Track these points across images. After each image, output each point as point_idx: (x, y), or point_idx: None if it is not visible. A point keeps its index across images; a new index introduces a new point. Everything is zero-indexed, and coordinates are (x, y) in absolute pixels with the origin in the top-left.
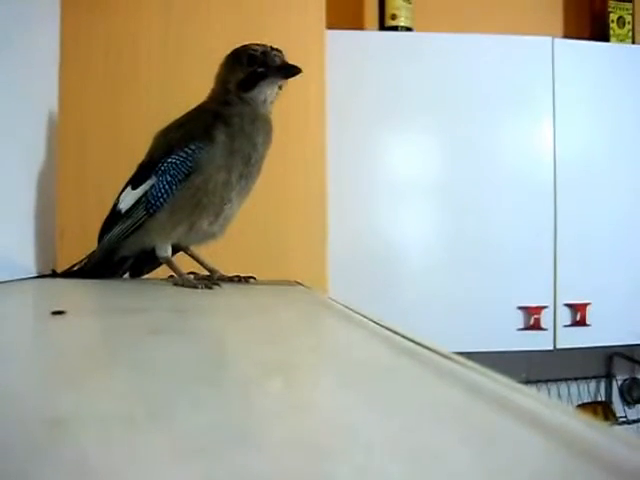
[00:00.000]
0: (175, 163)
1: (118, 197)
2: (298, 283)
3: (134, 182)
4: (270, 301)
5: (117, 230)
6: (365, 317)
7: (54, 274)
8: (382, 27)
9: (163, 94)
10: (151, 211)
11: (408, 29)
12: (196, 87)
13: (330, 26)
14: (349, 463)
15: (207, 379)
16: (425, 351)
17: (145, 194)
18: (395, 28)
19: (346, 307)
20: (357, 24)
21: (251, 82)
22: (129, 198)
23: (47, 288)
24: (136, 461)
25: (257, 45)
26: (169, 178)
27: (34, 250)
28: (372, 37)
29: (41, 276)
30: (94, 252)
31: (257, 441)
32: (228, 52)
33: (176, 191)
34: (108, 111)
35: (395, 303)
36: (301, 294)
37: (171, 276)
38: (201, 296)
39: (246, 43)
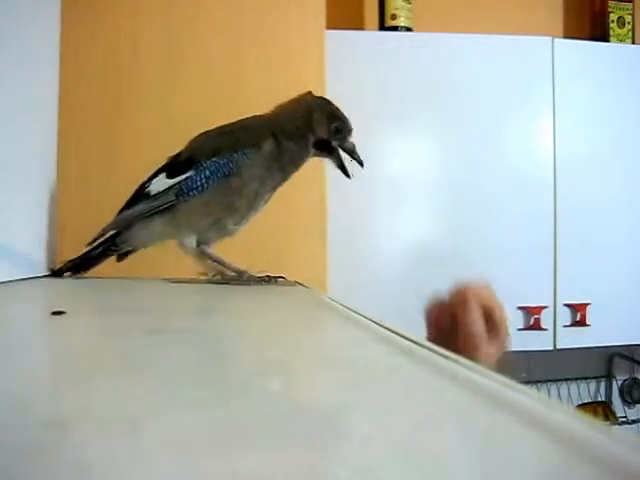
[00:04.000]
0: (218, 162)
1: (146, 182)
2: (298, 283)
3: (170, 172)
4: (270, 301)
5: (141, 206)
6: (365, 317)
7: (54, 274)
8: (382, 27)
9: (163, 94)
10: (181, 199)
11: (408, 29)
12: (196, 87)
13: (330, 26)
14: (349, 463)
15: (207, 379)
16: (425, 351)
17: (179, 183)
18: (395, 28)
19: (346, 307)
20: (357, 24)
21: (324, 147)
22: (162, 184)
23: (47, 288)
24: (136, 461)
25: (345, 118)
26: (208, 173)
27: (34, 250)
28: (372, 37)
29: (41, 276)
30: (110, 224)
31: (257, 441)
32: (319, 96)
33: (211, 187)
34: (108, 111)
35: (394, 303)
36: (301, 294)
37: (215, 274)
38: (200, 296)
39: (336, 107)
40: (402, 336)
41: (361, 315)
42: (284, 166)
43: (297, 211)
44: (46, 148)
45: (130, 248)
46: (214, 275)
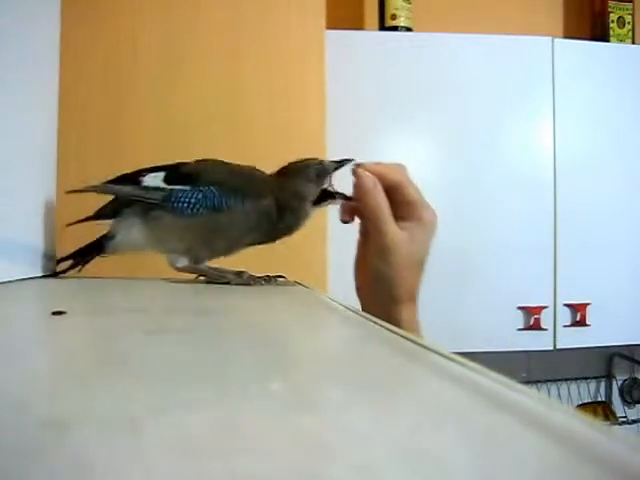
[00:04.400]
0: (214, 192)
1: (143, 171)
2: (298, 283)
3: (169, 179)
4: (270, 301)
5: (129, 189)
6: (365, 317)
7: (55, 274)
8: (382, 27)
9: (163, 94)
10: (165, 204)
11: (408, 29)
12: (196, 87)
13: (330, 26)
14: (349, 463)
15: (207, 379)
16: (425, 351)
17: (171, 190)
18: (395, 28)
19: (346, 307)
20: (357, 24)
21: (321, 200)
22: (156, 183)
23: (47, 288)
24: (136, 461)
25: (329, 162)
26: (200, 196)
27: (34, 250)
28: (372, 37)
29: (41, 276)
30: (94, 186)
31: (257, 441)
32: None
33: (198, 214)
34: (108, 111)
35: None
36: (301, 294)
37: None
38: (200, 296)
39: (318, 160)
40: (402, 336)
41: (361, 315)
42: (277, 233)
43: None
44: (46, 148)
45: (117, 252)
46: (199, 275)
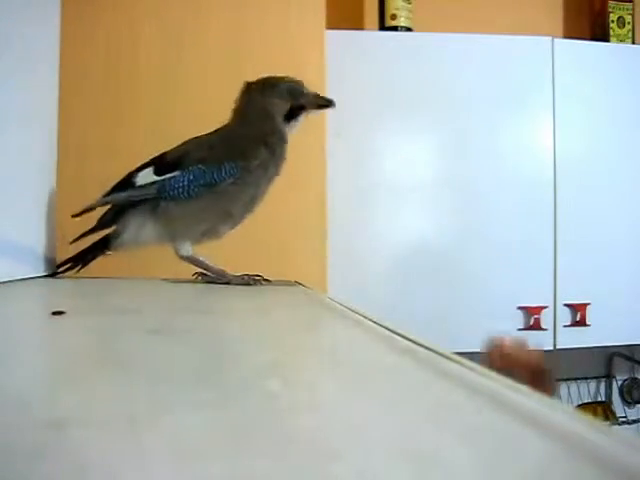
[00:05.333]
0: (204, 170)
1: (133, 173)
2: (298, 283)
3: (157, 169)
4: (270, 301)
5: (125, 194)
6: (365, 317)
7: (55, 274)
8: (382, 27)
9: (163, 94)
10: (163, 195)
11: (408, 29)
12: (196, 87)
13: (330, 26)
14: (349, 463)
15: (207, 379)
16: (425, 351)
17: (164, 180)
18: (395, 28)
19: (346, 307)
20: (357, 24)
21: (294, 114)
22: (148, 178)
23: (47, 288)
24: (136, 461)
25: (291, 79)
26: (192, 177)
27: (34, 251)
28: (372, 37)
29: (41, 276)
30: (91, 205)
31: (257, 441)
32: (253, 78)
33: (195, 191)
34: (108, 111)
35: (395, 303)
36: (301, 294)
37: (198, 274)
38: (200, 296)
39: (275, 75)
40: (402, 336)
41: (361, 315)
42: (278, 163)
43: (297, 211)
44: (46, 149)
45: (123, 249)
46: (199, 275)
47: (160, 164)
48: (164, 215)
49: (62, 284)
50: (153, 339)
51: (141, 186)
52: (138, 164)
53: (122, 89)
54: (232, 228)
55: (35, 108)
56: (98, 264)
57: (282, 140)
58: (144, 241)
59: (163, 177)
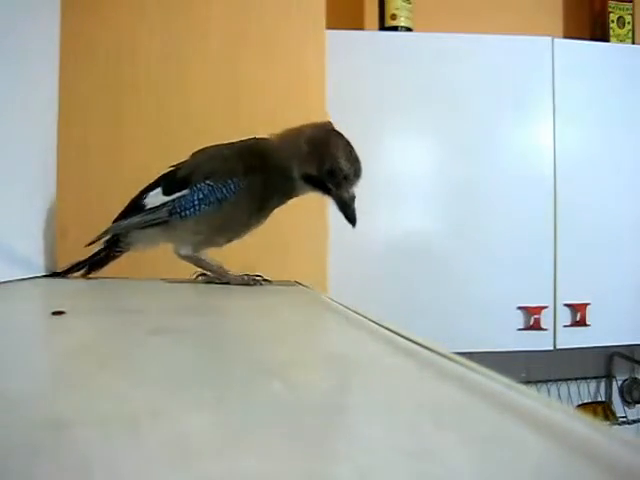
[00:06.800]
0: (212, 187)
1: (142, 194)
2: (298, 283)
3: (166, 188)
4: (270, 301)
5: (137, 219)
6: (365, 317)
7: (57, 274)
8: (382, 27)
9: (164, 94)
10: (174, 217)
11: (408, 29)
12: (196, 87)
13: (330, 26)
14: (349, 463)
15: (207, 379)
16: (425, 351)
17: (173, 201)
18: (395, 28)
19: (346, 307)
20: (357, 24)
21: (319, 186)
22: (157, 200)
23: (47, 288)
24: (137, 461)
25: (346, 163)
26: (201, 196)
27: (34, 251)
28: (372, 37)
29: (41, 276)
30: (105, 231)
31: (257, 441)
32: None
33: (204, 209)
34: (109, 111)
35: (395, 303)
36: (301, 294)
37: (198, 275)
38: (200, 296)
39: (342, 148)
40: (402, 336)
41: (361, 315)
42: (270, 197)
43: (297, 211)
44: (46, 149)
45: (131, 251)
46: (199, 276)
47: (169, 183)
48: (170, 232)
49: (62, 284)
50: (153, 339)
51: (152, 209)
52: (138, 163)
53: (123, 89)
54: (230, 241)
55: (36, 108)
56: None
57: (284, 186)
58: (148, 245)
59: (172, 197)
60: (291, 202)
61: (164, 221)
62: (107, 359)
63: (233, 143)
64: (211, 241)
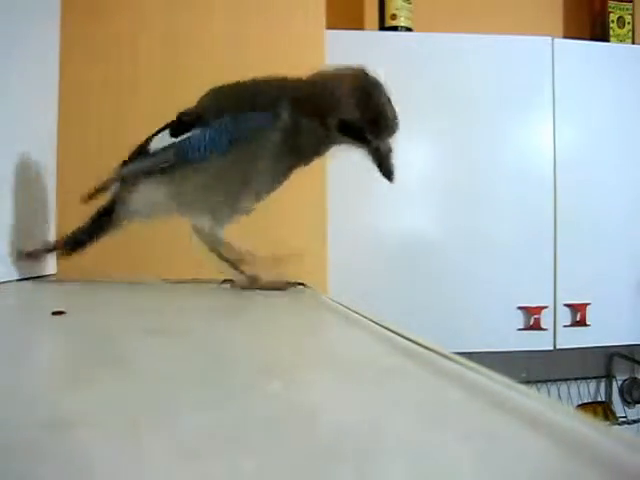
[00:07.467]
0: (226, 123)
1: (150, 138)
2: (299, 283)
3: (175, 130)
4: (270, 301)
5: (139, 164)
6: (365, 317)
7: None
8: (382, 27)
9: (164, 94)
10: (180, 158)
11: (408, 29)
12: (196, 87)
13: (330, 26)
14: (349, 463)
15: (207, 379)
16: (425, 351)
17: (182, 141)
18: (395, 28)
19: (346, 307)
20: (357, 24)
21: (356, 136)
22: (163, 141)
23: (47, 288)
24: (137, 462)
25: (388, 111)
26: (212, 134)
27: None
28: (372, 37)
29: (41, 276)
30: (109, 179)
31: (257, 442)
32: (360, 76)
33: (219, 154)
34: (109, 111)
35: (395, 303)
36: (301, 294)
37: (225, 281)
38: (200, 296)
39: (383, 95)
40: (402, 336)
41: (361, 315)
42: (300, 147)
43: (297, 210)
44: (46, 149)
45: (132, 218)
46: (224, 282)
47: (178, 124)
48: (181, 183)
49: (62, 284)
50: (153, 339)
51: (157, 152)
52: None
53: (123, 89)
54: (253, 201)
55: (35, 108)
56: (98, 264)
57: (318, 133)
58: (155, 214)
59: (180, 138)
60: (291, 201)
61: (171, 167)
62: (107, 359)
63: (254, 79)
64: (233, 205)
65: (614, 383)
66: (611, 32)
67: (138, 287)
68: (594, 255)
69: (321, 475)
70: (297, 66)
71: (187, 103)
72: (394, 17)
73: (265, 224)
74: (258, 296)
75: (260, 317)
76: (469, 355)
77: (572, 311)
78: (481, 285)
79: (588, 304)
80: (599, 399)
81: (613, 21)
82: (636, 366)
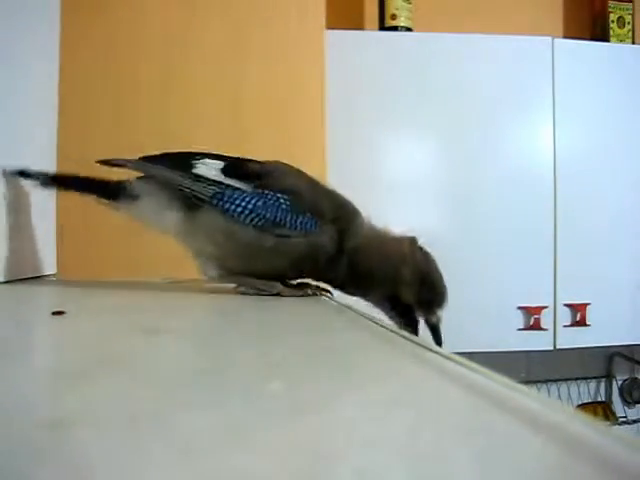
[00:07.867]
0: (280, 201)
1: (197, 155)
2: (300, 283)
3: (229, 171)
4: (269, 301)
5: (175, 176)
6: (365, 317)
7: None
8: (382, 27)
9: (164, 94)
10: (214, 201)
11: (408, 29)
12: (197, 87)
13: (330, 26)
14: (349, 463)
15: (207, 379)
16: (425, 351)
17: (227, 185)
18: (395, 28)
19: (346, 307)
20: (357, 24)
21: (403, 313)
22: (212, 172)
23: (47, 288)
24: (136, 462)
25: (444, 286)
26: (260, 203)
27: (34, 250)
28: (372, 37)
29: (41, 276)
30: (137, 164)
31: (257, 441)
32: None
33: (252, 219)
34: (109, 111)
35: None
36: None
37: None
38: (200, 296)
39: (437, 271)
40: (402, 336)
41: (361, 315)
42: (331, 270)
43: None
44: (46, 149)
45: (132, 214)
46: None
47: (234, 165)
48: (200, 222)
49: (62, 284)
50: (153, 339)
51: (199, 176)
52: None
53: (123, 89)
54: (238, 273)
55: (35, 108)
56: (98, 264)
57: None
58: (158, 225)
59: (229, 182)
60: None
61: (198, 200)
62: (107, 359)
63: (340, 195)
64: (244, 269)
65: (614, 383)
66: (611, 32)
67: (138, 287)
68: (594, 255)
69: (321, 475)
70: (297, 66)
71: (187, 103)
72: (394, 17)
73: None
74: (257, 296)
75: (260, 317)
76: (469, 355)
77: (572, 311)
78: (481, 285)
79: (588, 304)
80: (599, 399)
81: (613, 21)
82: (636, 366)
